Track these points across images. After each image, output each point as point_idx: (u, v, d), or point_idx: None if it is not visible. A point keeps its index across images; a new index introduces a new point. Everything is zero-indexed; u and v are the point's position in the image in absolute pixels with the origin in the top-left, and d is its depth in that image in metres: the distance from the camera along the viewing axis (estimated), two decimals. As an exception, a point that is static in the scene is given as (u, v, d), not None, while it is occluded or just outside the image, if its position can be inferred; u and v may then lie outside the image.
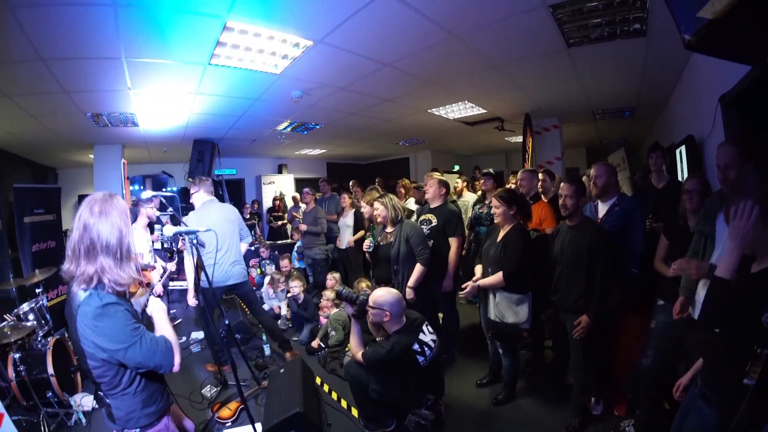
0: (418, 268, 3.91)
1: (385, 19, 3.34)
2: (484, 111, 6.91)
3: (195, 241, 2.34)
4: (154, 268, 2.30)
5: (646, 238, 3.34)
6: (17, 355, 3.67)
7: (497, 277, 3.37)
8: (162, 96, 5.22)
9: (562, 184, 3.27)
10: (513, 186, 5.33)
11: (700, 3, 1.43)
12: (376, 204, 4.15)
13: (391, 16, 3.30)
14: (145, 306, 1.91)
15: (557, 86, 5.56)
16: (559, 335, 3.64)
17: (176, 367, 1.70)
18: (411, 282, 3.91)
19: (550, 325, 4.12)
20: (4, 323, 3.99)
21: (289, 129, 7.80)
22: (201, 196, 4.47)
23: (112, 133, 7.00)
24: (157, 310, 1.89)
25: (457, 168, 13.09)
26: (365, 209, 5.06)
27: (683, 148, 4.47)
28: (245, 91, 5.27)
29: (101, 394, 1.82)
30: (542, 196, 4.65)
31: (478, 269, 3.75)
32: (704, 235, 2.47)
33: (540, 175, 4.79)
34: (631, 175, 6.66)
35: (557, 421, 3.35)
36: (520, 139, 8.16)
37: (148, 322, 1.84)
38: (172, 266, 2.40)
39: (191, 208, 4.46)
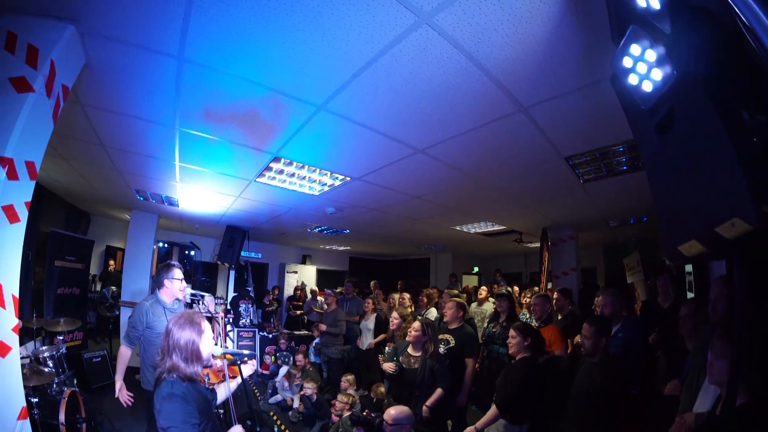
0: (438, 392, 3.96)
1: (417, 168, 3.74)
2: (503, 227, 7.22)
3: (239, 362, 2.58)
4: (246, 362, 2.65)
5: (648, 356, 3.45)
6: (34, 399, 3.88)
7: (492, 411, 3.43)
8: (206, 193, 5.58)
9: (584, 324, 3.31)
10: (528, 300, 5.47)
11: (680, 239, 1.53)
12: (416, 325, 4.16)
13: (423, 167, 3.70)
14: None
15: (572, 209, 5.78)
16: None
17: None
18: (429, 402, 3.94)
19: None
20: (22, 362, 4.14)
21: (318, 231, 8.14)
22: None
23: (151, 206, 7.30)
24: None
25: (476, 270, 13.16)
26: (394, 321, 5.08)
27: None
28: (283, 203, 5.62)
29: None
30: (558, 314, 4.77)
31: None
32: (698, 365, 2.52)
33: (555, 295, 4.92)
34: (645, 278, 6.69)
35: None
36: (538, 245, 8.30)
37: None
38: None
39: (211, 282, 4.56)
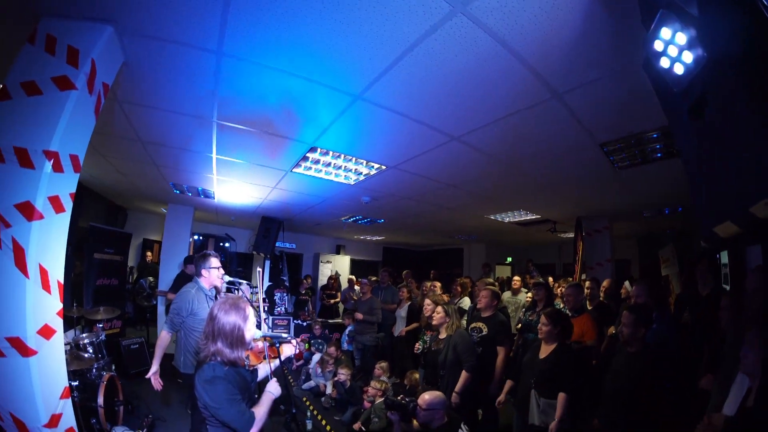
0: (464, 375, 4.03)
1: (453, 155, 3.76)
2: (537, 216, 7.17)
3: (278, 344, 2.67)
4: (289, 342, 2.80)
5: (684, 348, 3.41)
6: (74, 383, 4.05)
7: (562, 400, 3.38)
8: (242, 185, 5.72)
9: (624, 312, 3.30)
10: (561, 291, 5.45)
11: (715, 221, 1.59)
12: (439, 309, 4.34)
13: (459, 154, 3.72)
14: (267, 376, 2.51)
15: (607, 197, 5.72)
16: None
17: None
18: (457, 388, 4.01)
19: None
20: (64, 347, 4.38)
21: (352, 221, 8.21)
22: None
23: (187, 198, 7.55)
24: (268, 393, 2.40)
25: (509, 260, 13.12)
26: (428, 308, 5.18)
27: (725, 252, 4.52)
28: (319, 192, 5.71)
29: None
30: (588, 303, 4.75)
31: (508, 384, 3.98)
32: (734, 357, 2.52)
33: (587, 283, 4.90)
34: (679, 271, 6.56)
35: None
36: (571, 234, 8.25)
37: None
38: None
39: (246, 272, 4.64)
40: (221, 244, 11.08)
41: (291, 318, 8.42)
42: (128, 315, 8.94)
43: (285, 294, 8.59)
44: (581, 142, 3.53)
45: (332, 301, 10.50)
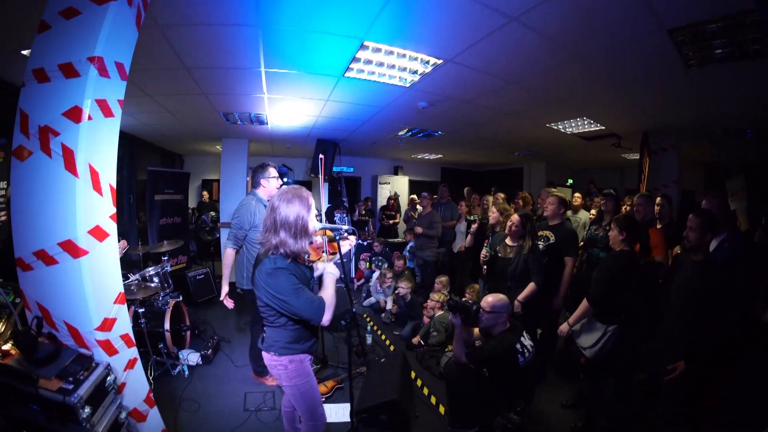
0: (530, 286, 3.96)
1: (512, 42, 3.49)
2: (602, 127, 6.79)
3: (338, 238, 2.62)
4: (347, 238, 2.75)
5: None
6: (141, 310, 4.32)
7: (583, 304, 3.35)
8: (294, 101, 5.63)
9: (690, 215, 3.07)
10: (628, 207, 5.21)
11: None
12: (515, 217, 4.18)
13: (518, 40, 3.45)
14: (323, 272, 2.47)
15: (675, 106, 5.39)
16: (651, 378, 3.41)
17: (326, 322, 2.19)
18: (521, 297, 3.97)
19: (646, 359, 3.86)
20: (130, 281, 4.65)
21: (409, 135, 8.01)
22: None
23: (240, 129, 7.60)
24: (329, 275, 2.41)
25: (570, 182, 12.79)
26: (493, 216, 5.03)
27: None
28: (373, 101, 5.53)
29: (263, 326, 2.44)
30: (657, 221, 4.50)
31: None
32: None
33: (658, 200, 4.63)
34: (749, 205, 6.13)
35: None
36: (636, 156, 7.93)
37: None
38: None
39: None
40: (281, 173, 11.19)
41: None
42: (192, 254, 9.42)
43: (345, 215, 8.67)
44: (647, 26, 3.18)
45: (391, 221, 10.69)
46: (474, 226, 4.59)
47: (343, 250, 2.65)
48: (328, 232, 3.01)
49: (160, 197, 7.44)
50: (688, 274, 3.01)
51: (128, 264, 5.60)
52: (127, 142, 8.27)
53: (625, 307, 3.36)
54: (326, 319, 2.17)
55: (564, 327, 3.52)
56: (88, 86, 2.28)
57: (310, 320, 2.18)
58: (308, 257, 2.43)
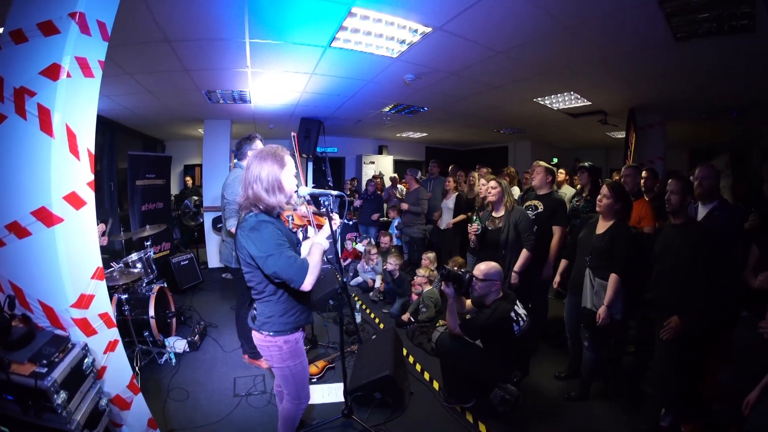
0: (524, 254, 4.00)
1: (502, 8, 3.39)
2: (589, 103, 6.75)
3: (329, 204, 2.51)
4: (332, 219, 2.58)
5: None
6: (124, 296, 4.16)
7: (613, 281, 3.23)
8: (279, 75, 5.47)
9: (669, 180, 3.14)
10: (615, 177, 5.24)
11: None
12: (493, 183, 4.22)
13: (509, 6, 3.35)
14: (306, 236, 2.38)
15: (663, 81, 5.37)
16: (644, 341, 3.53)
17: (307, 286, 2.06)
18: (517, 267, 4.01)
19: (636, 330, 3.90)
20: (112, 269, 4.48)
21: (394, 111, 7.88)
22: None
23: (222, 109, 7.42)
24: (316, 245, 2.27)
25: (555, 161, 12.64)
26: (481, 188, 5.00)
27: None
28: (359, 73, 5.41)
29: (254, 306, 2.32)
30: (644, 194, 4.50)
31: (563, 263, 3.90)
32: None
33: (643, 173, 4.63)
34: (734, 182, 6.20)
35: (624, 427, 3.33)
36: (621, 134, 7.89)
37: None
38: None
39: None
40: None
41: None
42: (176, 241, 9.21)
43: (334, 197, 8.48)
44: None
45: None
46: (473, 228, 4.52)
47: (334, 226, 2.53)
48: (315, 200, 2.89)
49: (142, 182, 7.17)
50: (669, 237, 3.10)
51: (111, 253, 5.40)
52: (108, 128, 8.09)
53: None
54: (308, 282, 2.04)
55: (603, 311, 3.27)
56: (68, 43, 2.18)
57: (291, 281, 2.03)
58: (292, 219, 2.42)
